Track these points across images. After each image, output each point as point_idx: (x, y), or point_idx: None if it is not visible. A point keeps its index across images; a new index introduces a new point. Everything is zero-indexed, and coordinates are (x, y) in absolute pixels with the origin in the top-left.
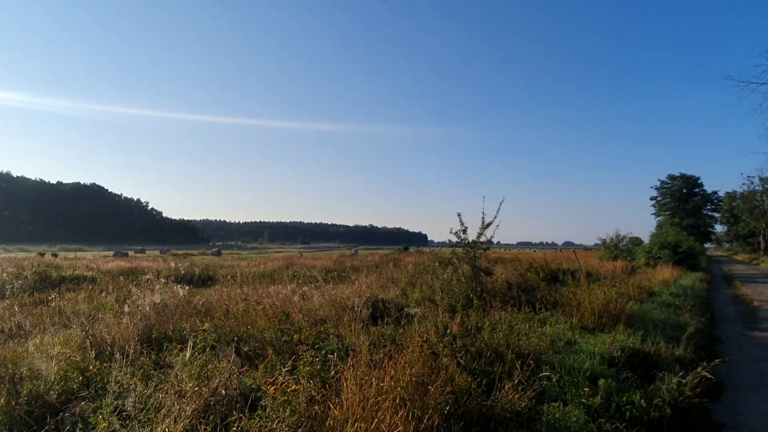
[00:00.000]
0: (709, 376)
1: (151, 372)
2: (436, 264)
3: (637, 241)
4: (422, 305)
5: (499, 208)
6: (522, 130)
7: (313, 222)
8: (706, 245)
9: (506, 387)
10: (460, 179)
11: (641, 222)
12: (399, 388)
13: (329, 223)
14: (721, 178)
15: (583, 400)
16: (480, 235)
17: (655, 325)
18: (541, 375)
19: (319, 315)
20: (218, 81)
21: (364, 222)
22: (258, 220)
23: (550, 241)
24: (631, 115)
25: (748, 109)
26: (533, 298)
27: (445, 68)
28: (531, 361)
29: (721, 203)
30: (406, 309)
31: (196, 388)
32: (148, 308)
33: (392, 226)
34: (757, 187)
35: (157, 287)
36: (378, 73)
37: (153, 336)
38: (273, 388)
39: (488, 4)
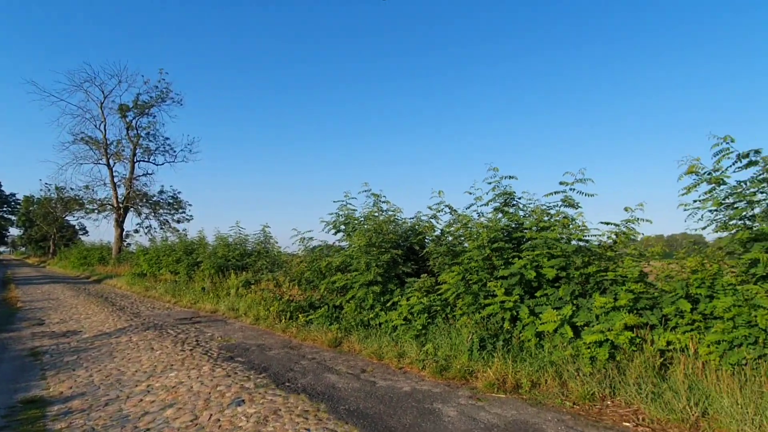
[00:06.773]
0: None
1: None
2: None
3: None
4: None
5: None
6: None
7: None
8: (0, 249)
9: None
10: None
11: None
12: None
13: None
14: (24, 181)
15: None
16: None
17: None
18: None
19: None
20: None
21: None
22: None
23: None
24: None
25: (48, 119)
26: None
27: None
28: None
29: (19, 206)
30: None
31: None
32: None
33: None
34: (52, 195)
35: None
36: None
37: None
38: None
39: None
